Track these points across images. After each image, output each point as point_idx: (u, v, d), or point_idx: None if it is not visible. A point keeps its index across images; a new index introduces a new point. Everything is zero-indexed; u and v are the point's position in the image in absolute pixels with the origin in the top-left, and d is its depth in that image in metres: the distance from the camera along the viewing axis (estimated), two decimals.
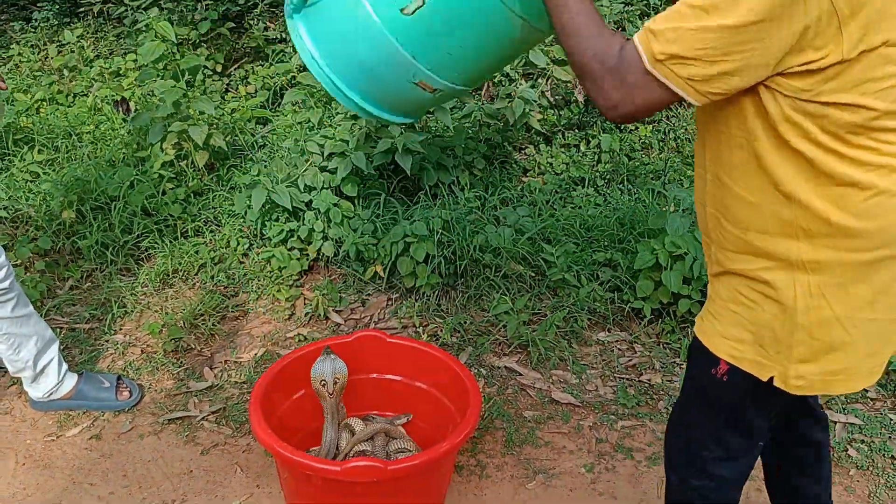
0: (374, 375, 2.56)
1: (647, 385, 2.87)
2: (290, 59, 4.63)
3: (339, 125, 3.39)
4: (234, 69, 5.05)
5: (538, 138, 4.14)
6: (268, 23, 5.34)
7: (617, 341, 3.07)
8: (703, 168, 1.46)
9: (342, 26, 1.73)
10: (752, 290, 1.42)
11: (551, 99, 3.70)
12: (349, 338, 2.53)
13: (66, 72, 4.91)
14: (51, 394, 2.63)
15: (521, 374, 2.90)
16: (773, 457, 1.92)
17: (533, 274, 3.20)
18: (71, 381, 2.67)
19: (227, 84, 4.95)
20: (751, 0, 1.16)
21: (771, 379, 1.44)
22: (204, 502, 2.37)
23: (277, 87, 4.69)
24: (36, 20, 5.56)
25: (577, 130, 4.20)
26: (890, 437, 2.60)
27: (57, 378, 2.63)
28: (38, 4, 5.72)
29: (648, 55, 1.24)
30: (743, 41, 1.19)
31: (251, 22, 5.16)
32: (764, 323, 1.42)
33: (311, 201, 3.30)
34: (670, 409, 2.73)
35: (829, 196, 1.30)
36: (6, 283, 2.40)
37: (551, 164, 3.99)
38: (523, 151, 4.15)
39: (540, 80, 3.60)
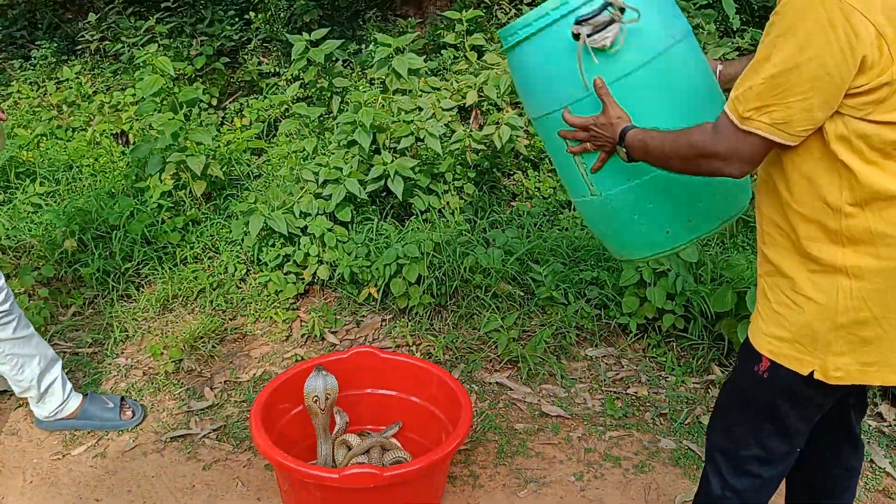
0: (369, 391, 2.66)
1: (633, 397, 2.96)
2: (285, 91, 4.77)
3: (333, 153, 3.51)
4: (229, 102, 5.19)
5: (526, 164, 4.28)
6: (261, 57, 5.50)
7: (604, 356, 3.17)
8: (761, 176, 1.61)
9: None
10: (796, 294, 1.55)
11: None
12: (344, 354, 2.63)
13: (64, 107, 5.04)
14: (56, 413, 2.72)
15: (511, 389, 3.00)
16: (808, 475, 1.96)
17: (522, 293, 3.30)
18: (76, 400, 2.76)
19: (223, 117, 5.09)
20: (792, 38, 1.35)
21: (809, 377, 1.56)
22: None
23: (271, 119, 4.83)
24: (35, 58, 5.70)
25: None
26: (868, 442, 2.69)
27: (62, 397, 2.71)
28: (37, 43, 5.87)
29: (736, 116, 1.45)
30: (805, 80, 1.35)
31: (245, 57, 5.32)
32: (804, 323, 1.55)
33: (306, 227, 3.41)
34: (656, 419, 2.85)
35: (872, 208, 1.44)
36: (6, 306, 2.50)
37: (539, 188, 4.12)
38: (512, 177, 4.27)
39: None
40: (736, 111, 1.45)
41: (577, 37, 1.69)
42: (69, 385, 2.76)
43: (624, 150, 1.69)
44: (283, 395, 2.47)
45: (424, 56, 5.27)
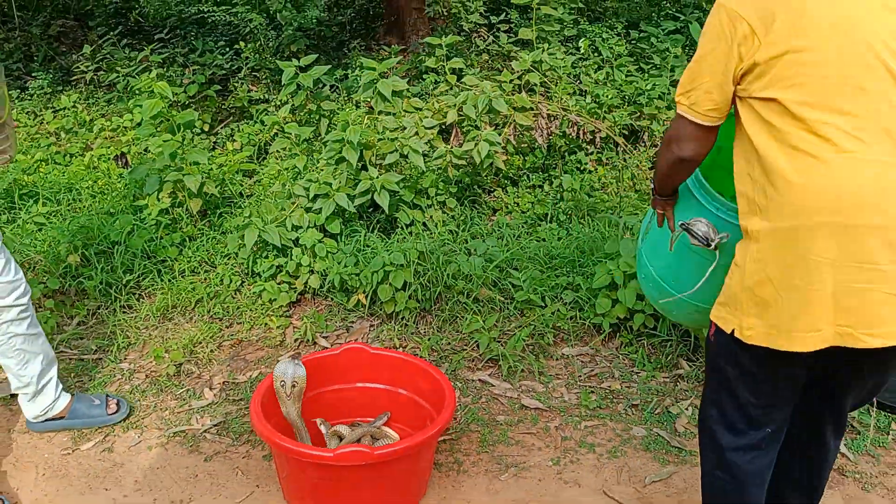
0: (360, 385, 2.86)
1: (607, 391, 3.17)
2: (276, 115, 4.99)
3: (323, 170, 3.74)
4: (221, 128, 5.41)
5: (506, 181, 4.52)
6: (251, 85, 5.73)
7: (580, 354, 3.38)
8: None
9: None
10: (733, 263, 1.82)
11: (514, 143, 4.08)
12: (336, 350, 2.83)
13: (62, 134, 5.24)
14: (46, 412, 2.88)
15: (493, 385, 3.20)
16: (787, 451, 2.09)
17: (502, 297, 3.52)
18: (65, 400, 2.93)
19: (215, 142, 5.30)
20: (703, 38, 1.77)
21: (735, 337, 1.79)
22: (209, 501, 2.63)
23: (261, 143, 5.05)
24: (31, 88, 5.91)
25: (541, 173, 4.57)
26: None
27: (54, 396, 2.88)
28: (33, 74, 6.08)
29: (677, 106, 1.85)
30: (705, 68, 1.76)
31: (236, 84, 5.55)
32: (730, 286, 1.82)
33: (297, 239, 3.62)
34: (628, 410, 3.06)
35: (768, 178, 1.70)
36: (25, 301, 2.69)
37: (517, 203, 4.35)
38: (492, 194, 4.51)
39: (505, 129, 3.98)
40: (677, 102, 1.83)
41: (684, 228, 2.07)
42: (60, 386, 2.93)
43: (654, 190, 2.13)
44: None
45: (408, 80, 5.53)
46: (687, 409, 3.05)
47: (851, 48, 1.63)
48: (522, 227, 4.05)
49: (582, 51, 5.20)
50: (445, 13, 5.49)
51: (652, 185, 2.15)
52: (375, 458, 2.32)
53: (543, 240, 3.93)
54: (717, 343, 1.88)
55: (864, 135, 1.64)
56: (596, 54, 4.96)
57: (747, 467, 1.97)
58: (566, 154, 4.57)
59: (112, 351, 3.38)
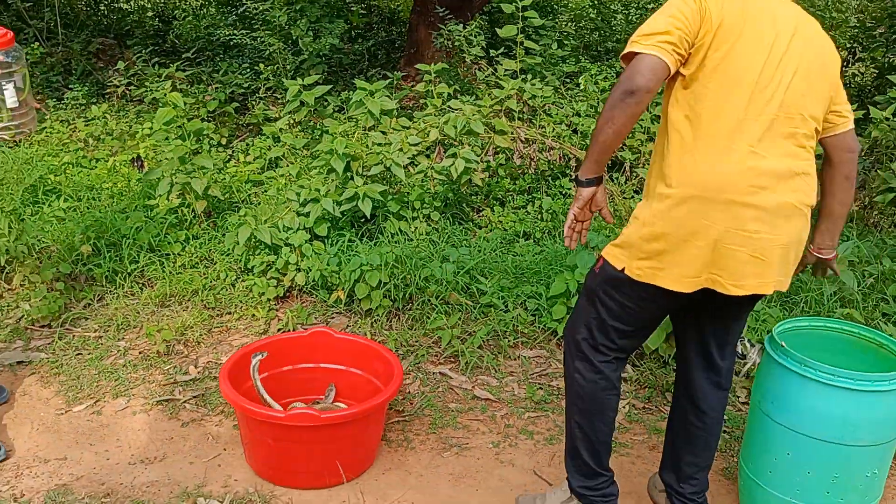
0: (323, 365, 3.17)
1: (556, 389, 3.45)
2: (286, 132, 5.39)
3: (314, 177, 4.09)
4: (237, 142, 5.81)
5: (494, 202, 4.84)
6: (269, 104, 6.14)
7: (536, 356, 3.66)
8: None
9: None
10: (633, 215, 2.22)
11: (493, 162, 4.41)
12: (304, 333, 3.16)
13: (90, 140, 5.68)
14: None
15: (451, 378, 3.50)
16: (676, 411, 2.56)
17: (469, 302, 3.82)
18: None
19: (231, 154, 5.70)
20: (668, 5, 2.10)
21: (622, 270, 2.21)
22: (180, 459, 2.95)
23: (273, 157, 5.43)
24: (67, 99, 6.38)
25: (526, 195, 4.89)
26: None
27: None
28: (70, 86, 6.56)
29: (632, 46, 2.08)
30: (669, 22, 2.06)
31: (253, 102, 5.96)
32: (628, 234, 2.21)
33: (287, 238, 3.96)
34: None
35: (682, 153, 2.13)
36: None
37: (501, 221, 4.67)
38: (481, 213, 4.83)
39: (484, 149, 4.33)
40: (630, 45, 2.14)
41: None
42: None
43: (583, 182, 2.25)
44: (248, 361, 2.98)
45: (412, 105, 5.91)
46: (624, 407, 3.31)
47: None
48: (500, 242, 4.36)
49: (581, 87, 5.54)
50: (450, 46, 5.87)
51: (574, 175, 2.36)
52: (322, 421, 2.63)
53: (518, 254, 4.23)
54: (601, 275, 2.29)
55: (755, 132, 2.11)
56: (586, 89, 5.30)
57: (611, 375, 2.40)
58: (550, 179, 4.89)
59: (111, 330, 3.73)
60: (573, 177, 2.32)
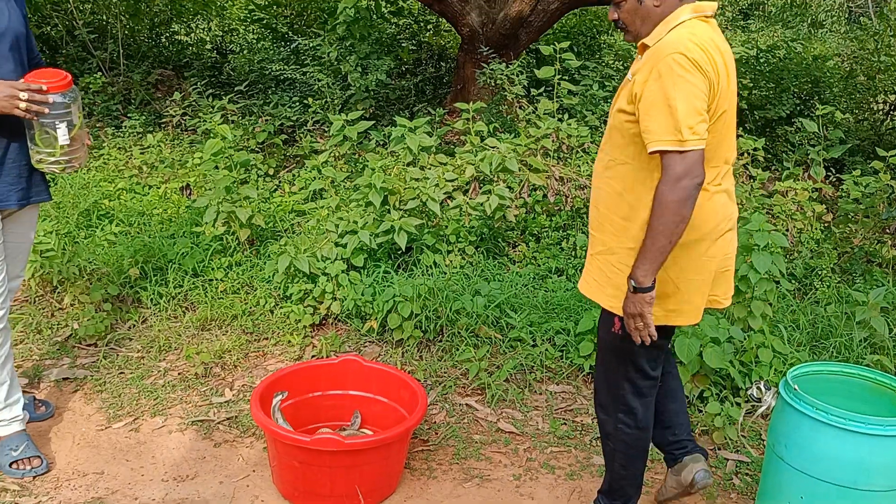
0: (352, 392, 3.27)
1: (579, 424, 3.50)
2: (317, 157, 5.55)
3: (352, 210, 4.22)
4: (284, 173, 6.00)
5: (530, 237, 4.92)
6: (317, 137, 6.33)
7: (562, 391, 3.72)
8: (611, 185, 2.37)
9: None
10: (621, 264, 2.32)
11: (528, 199, 4.51)
12: (335, 360, 3.26)
13: (145, 168, 5.92)
14: None
15: (477, 410, 3.57)
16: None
17: (499, 336, 3.89)
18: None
19: (278, 185, 5.88)
20: (680, 81, 2.16)
21: None
22: (211, 478, 3.06)
23: (318, 188, 5.60)
24: (125, 127, 6.65)
25: (562, 232, 4.97)
26: None
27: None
28: (129, 115, 6.84)
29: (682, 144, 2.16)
30: (697, 103, 2.17)
31: (301, 135, 6.15)
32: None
33: (325, 268, 4.09)
34: (594, 441, 3.38)
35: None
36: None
37: (535, 257, 4.74)
38: (517, 248, 4.91)
39: (518, 186, 4.43)
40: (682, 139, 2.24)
41: None
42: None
43: (642, 289, 2.23)
44: (279, 386, 3.10)
45: (456, 142, 6.04)
46: None
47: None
48: (533, 277, 4.43)
49: None
50: (494, 84, 6.01)
51: (632, 287, 2.22)
52: (346, 447, 2.72)
53: (549, 290, 4.30)
54: (623, 331, 2.36)
55: (726, 174, 2.39)
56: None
57: (650, 416, 2.60)
58: (585, 216, 4.95)
59: (153, 351, 3.89)
60: (631, 287, 2.24)
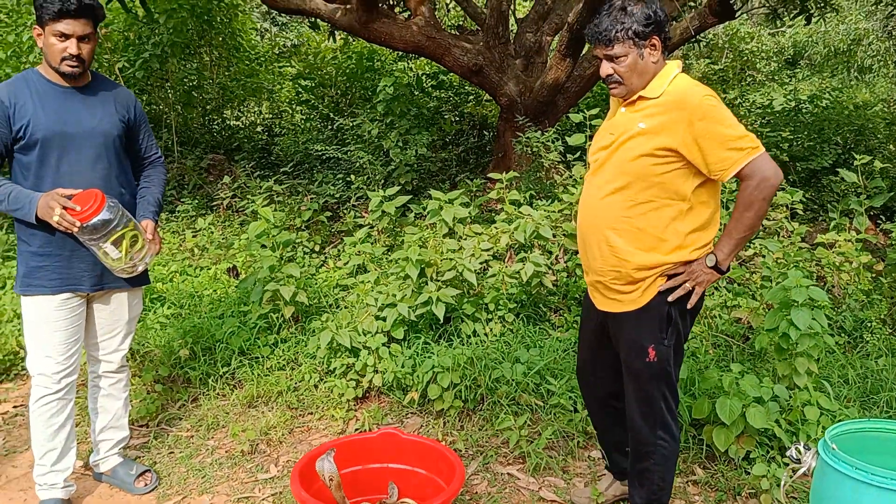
0: (390, 465, 3.30)
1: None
2: (373, 242, 5.68)
3: (391, 283, 4.31)
4: (329, 248, 6.15)
5: (571, 302, 4.94)
6: (361, 213, 6.49)
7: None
8: (628, 223, 2.68)
9: None
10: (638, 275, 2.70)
11: (566, 263, 4.54)
12: (374, 434, 3.31)
13: (196, 250, 6.13)
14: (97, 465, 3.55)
15: (519, 479, 3.55)
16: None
17: (539, 403, 3.89)
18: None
19: (323, 260, 6.03)
20: (725, 110, 2.55)
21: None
22: None
23: (363, 262, 5.72)
24: (178, 212, 6.92)
25: None
26: None
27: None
28: (182, 199, 7.12)
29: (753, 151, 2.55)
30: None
31: (345, 211, 6.32)
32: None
33: (366, 342, 4.17)
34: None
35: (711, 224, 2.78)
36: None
37: (577, 321, 4.75)
38: (558, 313, 4.93)
39: (554, 253, 4.48)
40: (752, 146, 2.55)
41: None
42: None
43: (720, 270, 2.67)
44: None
45: (497, 209, 6.13)
46: None
47: None
48: (573, 342, 4.43)
49: None
50: (531, 152, 6.11)
51: (714, 262, 2.64)
52: None
53: None
54: (658, 354, 2.68)
55: None
56: None
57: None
58: None
59: (202, 430, 3.99)
60: (715, 264, 2.65)
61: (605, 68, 2.63)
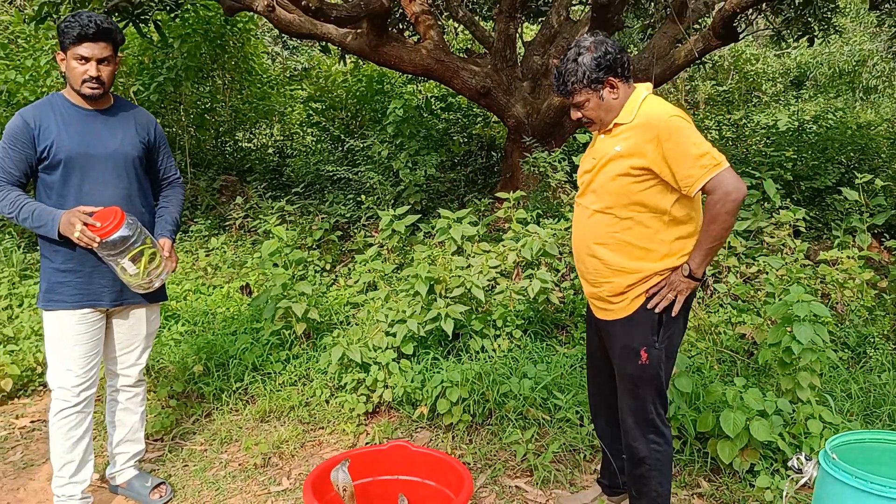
0: (400, 477, 3.37)
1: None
2: (384, 260, 5.78)
3: (401, 300, 4.40)
4: (340, 267, 6.25)
5: (578, 319, 5.01)
6: (372, 232, 6.60)
7: None
8: (614, 238, 2.82)
9: None
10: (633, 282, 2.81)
11: (573, 280, 4.62)
12: (384, 446, 3.38)
13: (209, 269, 6.24)
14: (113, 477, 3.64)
15: (526, 492, 3.62)
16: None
17: (546, 417, 3.96)
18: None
19: (334, 279, 6.13)
20: (692, 129, 2.70)
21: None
22: None
23: (373, 280, 5.82)
24: (192, 232, 7.04)
25: None
26: None
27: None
28: (195, 220, 7.25)
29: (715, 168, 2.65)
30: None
31: (355, 230, 6.42)
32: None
33: (376, 357, 4.25)
34: None
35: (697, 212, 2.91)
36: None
37: (584, 337, 4.82)
38: (566, 329, 5.01)
39: (562, 269, 4.56)
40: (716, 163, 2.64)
41: None
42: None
43: (696, 278, 2.77)
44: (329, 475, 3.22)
45: (505, 228, 6.22)
46: None
47: None
48: (580, 357, 4.51)
49: None
50: (537, 172, 6.21)
51: (688, 271, 2.74)
52: None
53: None
54: (650, 357, 2.80)
55: None
56: None
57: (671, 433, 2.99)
58: None
59: (215, 444, 4.07)
60: (689, 273, 2.77)
61: (574, 114, 2.88)
